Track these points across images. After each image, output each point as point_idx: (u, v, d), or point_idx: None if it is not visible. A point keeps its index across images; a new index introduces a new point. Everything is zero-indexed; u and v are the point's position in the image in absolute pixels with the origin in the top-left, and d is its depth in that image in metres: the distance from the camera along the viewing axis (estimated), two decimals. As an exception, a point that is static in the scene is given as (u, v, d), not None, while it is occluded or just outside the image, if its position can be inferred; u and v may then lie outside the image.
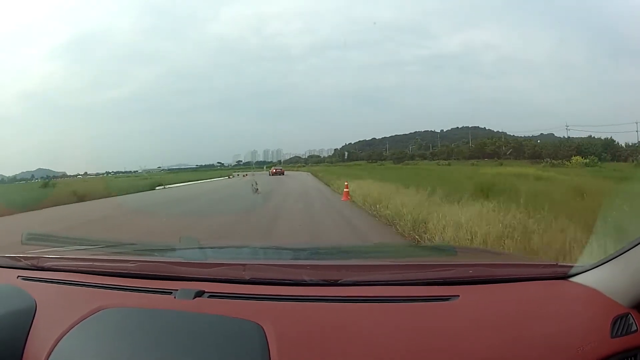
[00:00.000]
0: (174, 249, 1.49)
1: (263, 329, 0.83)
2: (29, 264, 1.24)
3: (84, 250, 1.55)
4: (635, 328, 0.84)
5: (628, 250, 0.91)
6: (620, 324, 0.84)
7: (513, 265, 1.25)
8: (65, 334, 0.88)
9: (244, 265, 1.13)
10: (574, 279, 0.99)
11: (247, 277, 1.03)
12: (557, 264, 1.06)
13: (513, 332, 0.83)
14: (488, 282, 0.99)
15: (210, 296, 0.96)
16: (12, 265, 1.25)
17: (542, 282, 1.01)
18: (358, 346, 0.80)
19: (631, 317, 0.86)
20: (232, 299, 0.96)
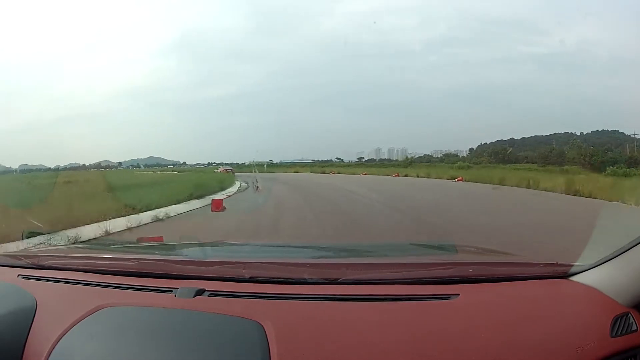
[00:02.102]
0: (174, 247, 1.50)
1: (263, 328, 0.83)
2: (30, 262, 1.24)
3: (84, 249, 1.55)
4: (635, 327, 0.84)
5: (628, 249, 0.91)
6: (620, 323, 0.84)
7: (513, 264, 1.25)
8: (66, 332, 0.88)
9: (244, 263, 1.13)
10: (574, 278, 0.99)
11: (247, 276, 1.03)
12: (557, 263, 1.06)
13: (513, 330, 0.83)
14: (488, 281, 0.99)
15: (210, 295, 0.96)
16: (13, 264, 1.25)
17: (542, 281, 1.01)
18: (358, 344, 0.80)
19: (631, 317, 0.86)
20: (233, 298, 0.95)
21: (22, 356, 0.88)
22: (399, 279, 1.01)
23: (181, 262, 1.16)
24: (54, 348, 0.86)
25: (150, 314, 0.93)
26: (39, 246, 1.51)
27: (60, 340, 0.87)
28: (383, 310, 0.90)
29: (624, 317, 0.85)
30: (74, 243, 1.59)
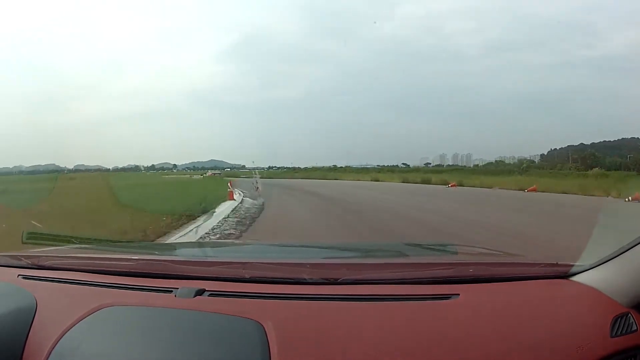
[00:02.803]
0: (174, 247, 1.50)
1: (263, 327, 0.83)
2: (30, 262, 1.24)
3: (85, 249, 1.55)
4: (635, 327, 0.84)
5: (628, 249, 0.91)
6: (620, 323, 0.84)
7: (513, 264, 1.25)
8: (66, 332, 0.88)
9: (244, 263, 1.13)
10: (574, 278, 1.00)
11: (247, 276, 1.03)
12: (557, 263, 1.06)
13: (513, 330, 0.83)
14: (488, 281, 1.00)
15: (210, 295, 0.96)
16: (13, 264, 1.25)
17: (542, 281, 1.01)
18: (358, 344, 0.80)
19: (631, 317, 0.86)
20: (233, 298, 0.96)
21: (22, 356, 0.88)
22: (399, 279, 1.01)
23: (181, 262, 1.16)
24: (54, 348, 0.86)
25: (150, 313, 0.93)
26: (38, 246, 1.51)
27: (60, 340, 0.87)
28: (383, 310, 0.90)
29: (624, 317, 0.85)
30: (74, 243, 1.59)
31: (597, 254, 1.00)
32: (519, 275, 1.03)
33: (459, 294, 0.92)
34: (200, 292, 0.96)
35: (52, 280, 1.13)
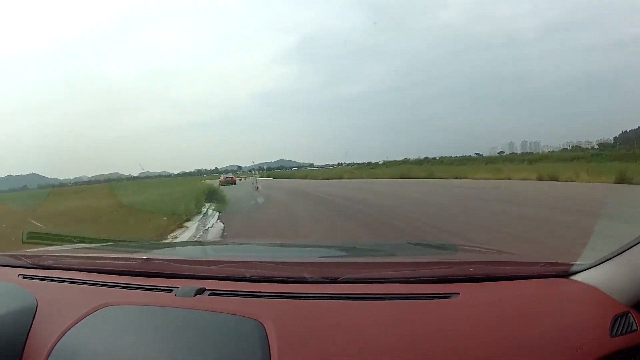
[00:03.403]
0: (174, 247, 1.50)
1: (263, 326, 0.83)
2: (30, 262, 1.24)
3: (85, 249, 1.55)
4: (635, 327, 0.84)
5: (629, 248, 0.91)
6: (620, 322, 0.84)
7: (513, 263, 1.25)
8: (66, 332, 0.89)
9: (244, 263, 1.13)
10: (574, 277, 0.99)
11: (247, 275, 1.03)
12: (557, 262, 1.06)
13: (513, 330, 0.83)
14: (488, 280, 1.00)
15: (210, 294, 0.96)
16: (13, 263, 1.26)
17: (542, 280, 1.01)
18: (358, 343, 0.80)
19: (631, 316, 0.86)
20: (233, 297, 0.96)
21: (22, 356, 0.88)
22: (399, 278, 1.01)
23: (181, 262, 1.16)
24: (54, 347, 0.86)
25: (150, 313, 0.93)
26: (39, 246, 1.51)
27: (61, 340, 0.87)
28: (383, 309, 0.90)
29: (624, 317, 0.85)
30: (74, 243, 1.59)
31: (597, 252, 1.00)
32: (519, 274, 1.03)
33: (458, 293, 0.92)
34: (200, 292, 0.96)
35: (53, 279, 1.13)
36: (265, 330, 0.82)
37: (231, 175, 35.20)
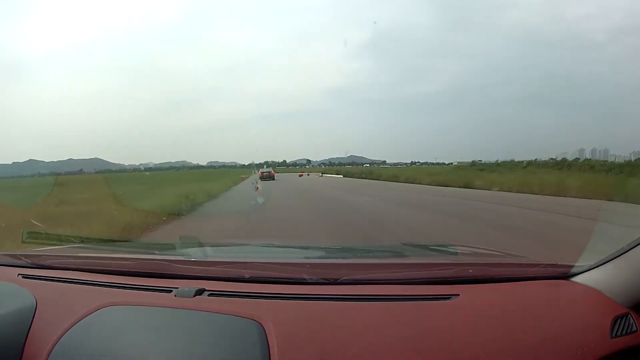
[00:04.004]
0: (174, 247, 1.50)
1: (263, 327, 0.83)
2: (30, 262, 1.24)
3: (85, 249, 1.55)
4: (635, 328, 0.84)
5: (628, 250, 0.91)
6: (620, 324, 0.84)
7: (513, 265, 1.25)
8: (66, 332, 0.88)
9: (244, 263, 1.13)
10: (574, 279, 0.99)
11: (247, 276, 1.03)
12: (557, 263, 1.06)
13: (513, 331, 0.83)
14: (488, 281, 0.99)
15: (210, 294, 0.96)
16: (13, 263, 1.25)
17: (542, 281, 1.01)
18: (358, 344, 0.80)
19: (631, 317, 0.86)
20: (233, 297, 0.96)
21: (22, 355, 0.88)
22: (399, 279, 1.01)
23: (181, 262, 1.16)
24: (53, 347, 0.86)
25: (149, 313, 0.93)
26: (38, 245, 1.51)
27: (61, 340, 0.87)
28: (383, 310, 0.90)
29: (624, 318, 0.85)
30: (74, 242, 1.59)
31: (597, 254, 1.00)
32: (519, 276, 1.03)
33: (459, 295, 0.92)
34: (199, 292, 0.96)
35: (52, 279, 1.12)
36: (264, 331, 0.82)
37: (269, 170, 32.03)
